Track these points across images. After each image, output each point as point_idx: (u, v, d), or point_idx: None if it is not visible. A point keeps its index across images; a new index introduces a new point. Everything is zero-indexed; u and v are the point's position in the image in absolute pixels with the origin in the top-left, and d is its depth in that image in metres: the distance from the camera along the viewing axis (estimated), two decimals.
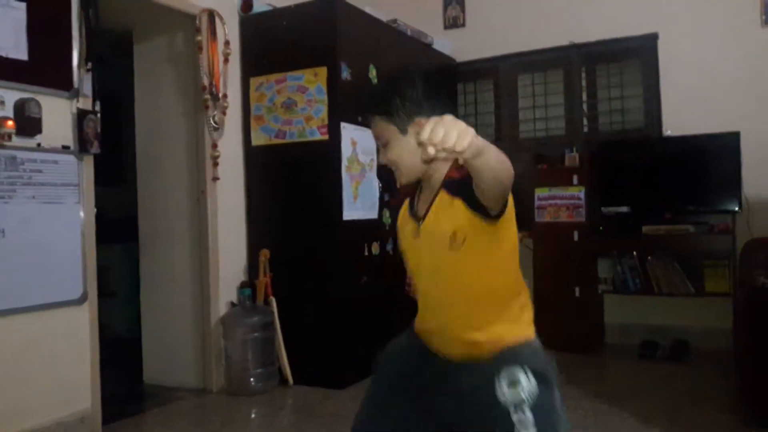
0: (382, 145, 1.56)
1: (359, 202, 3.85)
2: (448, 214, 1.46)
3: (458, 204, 1.43)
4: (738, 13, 4.32)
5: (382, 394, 1.69)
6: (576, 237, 4.27)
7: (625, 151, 4.58)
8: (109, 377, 3.24)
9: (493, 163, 1.24)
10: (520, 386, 1.35)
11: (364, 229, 3.90)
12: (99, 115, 3.08)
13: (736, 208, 4.11)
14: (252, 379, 3.62)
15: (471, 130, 1.13)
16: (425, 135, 1.09)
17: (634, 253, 4.39)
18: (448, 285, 1.52)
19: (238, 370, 3.64)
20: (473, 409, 1.44)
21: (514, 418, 1.34)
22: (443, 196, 1.49)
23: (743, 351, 3.11)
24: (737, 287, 3.68)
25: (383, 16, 4.30)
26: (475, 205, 1.38)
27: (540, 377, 1.38)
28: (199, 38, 3.65)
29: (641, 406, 3.19)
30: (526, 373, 1.36)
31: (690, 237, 4.23)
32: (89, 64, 3.01)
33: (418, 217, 1.57)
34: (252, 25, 3.95)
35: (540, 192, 4.42)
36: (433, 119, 1.11)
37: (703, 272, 4.24)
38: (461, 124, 1.11)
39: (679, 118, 4.45)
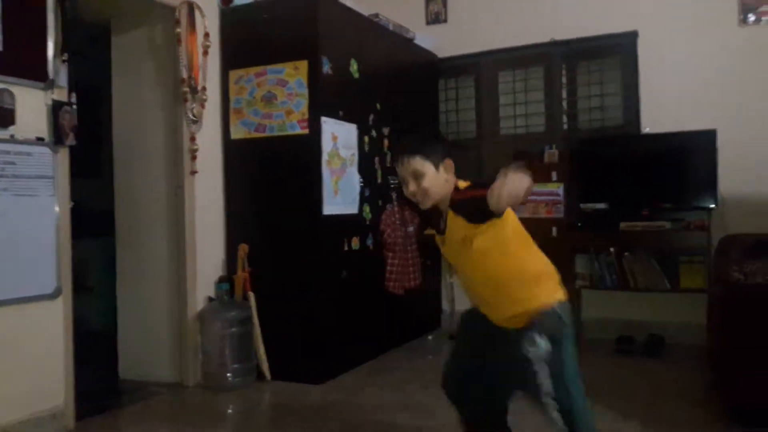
0: (415, 178, 2.03)
1: (340, 197, 3.83)
2: (458, 226, 1.98)
3: (461, 220, 1.95)
4: (716, 13, 4.37)
5: (461, 346, 2.31)
6: (554, 233, 4.31)
7: (604, 148, 4.62)
8: (84, 372, 3.20)
9: (525, 194, 1.69)
10: (538, 346, 1.87)
11: (345, 223, 3.89)
12: (75, 106, 3.03)
13: (712, 205, 4.16)
14: (229, 374, 3.60)
15: (529, 180, 1.68)
16: (505, 188, 1.64)
17: (612, 249, 4.43)
18: (475, 278, 2.06)
19: (215, 365, 3.62)
20: (511, 362, 1.97)
21: (535, 367, 1.87)
22: (452, 215, 2.00)
23: (717, 346, 3.15)
24: (712, 283, 3.73)
25: (365, 11, 4.29)
26: (472, 219, 1.91)
27: (552, 339, 1.88)
28: (178, 30, 3.61)
29: (617, 401, 3.22)
30: (541, 336, 1.87)
31: (666, 233, 4.28)
32: (65, 55, 2.97)
33: (441, 231, 2.09)
34: (232, 18, 3.92)
35: None
36: (511, 173, 1.66)
37: (678, 268, 4.29)
38: (526, 180, 1.67)
39: (658, 116, 4.50)
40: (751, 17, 4.31)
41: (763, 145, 4.20)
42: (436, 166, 2.02)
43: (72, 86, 3.03)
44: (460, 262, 2.09)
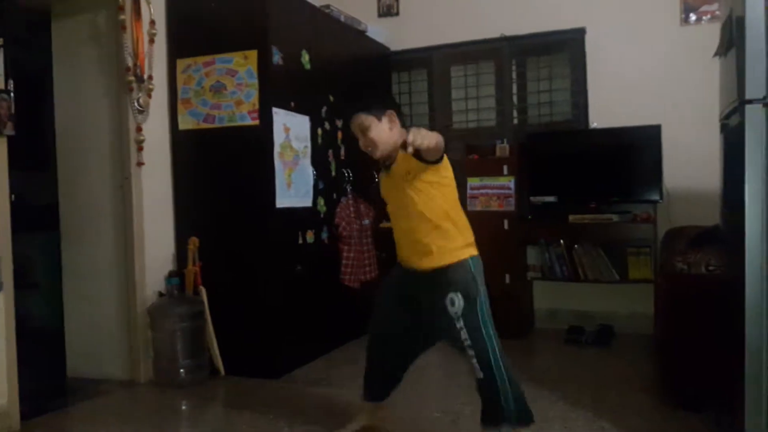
0: (362, 132, 2.35)
1: (293, 190, 3.79)
2: (405, 161, 2.27)
3: (410, 157, 2.19)
4: (660, 12, 4.49)
5: (385, 304, 2.56)
6: (506, 225, 4.36)
7: (553, 142, 4.70)
8: (30, 371, 3.08)
9: (435, 145, 2.07)
10: (457, 305, 2.22)
11: (298, 217, 3.84)
12: (12, 94, 2.90)
13: (658, 198, 4.28)
14: (181, 371, 3.52)
15: (432, 134, 2.04)
16: (410, 138, 1.98)
17: (561, 241, 4.52)
18: (407, 211, 2.32)
19: (166, 361, 3.54)
20: (433, 309, 2.29)
21: (455, 323, 2.23)
22: (401, 154, 2.28)
23: (662, 334, 3.24)
24: (658, 274, 3.84)
25: (316, 2, 4.25)
26: (419, 157, 2.19)
27: (466, 296, 2.23)
28: (122, 17, 3.50)
29: (569, 389, 3.28)
30: (457, 296, 2.22)
31: (614, 226, 4.38)
32: (0, 41, 2.84)
33: (388, 167, 2.40)
34: (179, 6, 3.82)
35: (472, 181, 4.49)
36: (414, 129, 2.00)
37: (626, 260, 4.40)
38: (426, 132, 2.02)
39: (605, 111, 4.61)
40: (693, 17, 4.44)
41: (706, 141, 4.28)
42: (379, 118, 2.34)
43: (8, 73, 2.90)
44: (394, 195, 2.39)
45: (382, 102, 2.43)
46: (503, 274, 4.32)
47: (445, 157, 2.27)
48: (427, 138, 2.00)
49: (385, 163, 2.44)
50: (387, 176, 2.42)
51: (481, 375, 2.23)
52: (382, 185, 2.48)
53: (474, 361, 2.23)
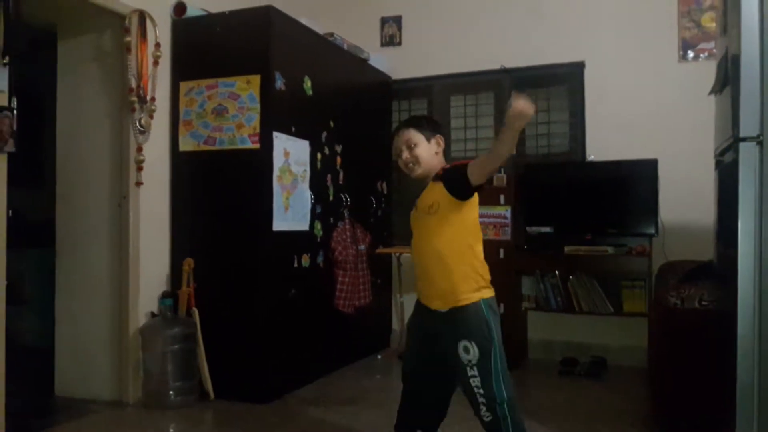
0: (409, 147, 2.33)
1: (290, 213, 3.80)
2: (433, 192, 2.26)
3: (439, 186, 2.22)
4: (658, 49, 4.56)
5: (413, 341, 2.47)
6: (501, 254, 4.37)
7: (550, 173, 4.73)
8: (17, 389, 3.05)
9: (510, 145, 2.03)
10: (469, 353, 2.17)
11: (295, 240, 3.85)
12: (15, 112, 2.93)
13: (653, 232, 4.30)
14: (171, 392, 3.50)
15: (502, 156, 2.07)
16: (521, 103, 1.91)
17: (557, 272, 4.52)
18: (426, 248, 2.28)
19: (156, 382, 3.51)
20: (446, 353, 2.24)
21: (468, 371, 2.18)
22: (431, 184, 2.29)
23: (656, 368, 3.23)
24: (652, 307, 3.83)
25: (320, 29, 4.31)
26: (450, 187, 2.19)
27: (481, 346, 2.17)
28: (128, 39, 3.54)
29: (561, 421, 3.26)
30: (472, 344, 2.17)
31: (609, 258, 4.39)
32: (6, 59, 2.87)
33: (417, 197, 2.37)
34: (184, 29, 3.87)
35: None
36: (518, 97, 1.91)
37: (621, 292, 4.39)
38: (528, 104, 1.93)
39: (602, 144, 4.64)
40: (690, 54, 4.51)
41: (701, 177, 4.33)
42: (428, 139, 2.35)
43: (12, 90, 2.92)
44: (417, 228, 2.35)
45: (436, 124, 2.44)
46: (497, 303, 4.30)
47: (476, 196, 2.24)
48: (529, 109, 1.92)
49: (422, 184, 2.40)
50: (414, 210, 2.38)
51: (488, 419, 2.20)
52: (411, 219, 2.42)
53: (483, 409, 2.19)
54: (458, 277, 2.22)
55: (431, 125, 2.40)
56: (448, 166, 2.30)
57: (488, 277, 2.30)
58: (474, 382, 2.17)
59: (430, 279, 2.29)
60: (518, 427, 2.21)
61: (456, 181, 2.18)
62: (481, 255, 2.30)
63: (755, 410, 2.12)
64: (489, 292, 2.27)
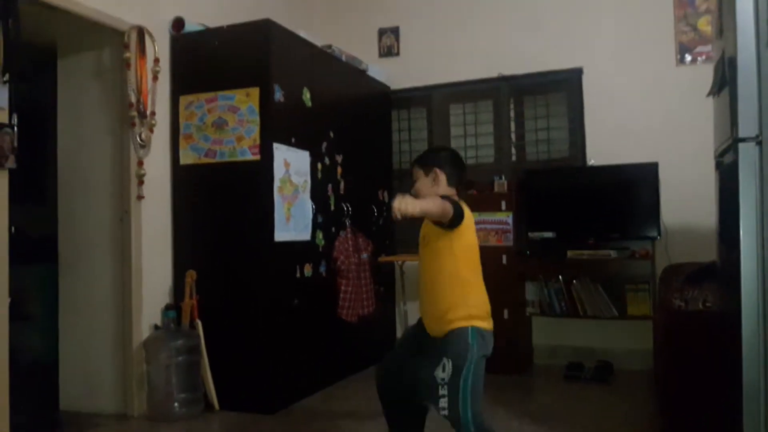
0: (414, 181, 2.50)
1: (292, 224, 3.81)
2: (426, 225, 2.41)
3: (430, 222, 2.34)
4: (656, 53, 4.57)
5: (402, 343, 2.69)
6: (504, 260, 4.37)
7: (551, 179, 4.74)
8: (22, 403, 3.05)
9: (434, 212, 2.17)
10: (445, 371, 2.21)
11: (297, 250, 3.85)
12: (16, 128, 2.95)
13: (656, 235, 4.29)
14: (176, 404, 3.49)
15: (418, 203, 2.07)
16: (394, 205, 2.01)
17: (560, 276, 4.51)
18: (424, 273, 2.41)
19: (161, 395, 3.50)
20: (426, 373, 2.28)
21: (439, 389, 2.22)
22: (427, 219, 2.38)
23: (661, 371, 3.22)
24: (656, 310, 3.83)
25: (318, 41, 4.33)
26: (435, 222, 2.30)
27: (455, 366, 2.21)
28: (127, 55, 3.57)
29: (567, 427, 3.25)
30: (448, 362, 2.22)
31: (612, 262, 4.39)
32: (6, 76, 2.89)
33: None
34: (183, 44, 3.90)
35: None
36: (398, 197, 2.04)
37: (625, 296, 4.39)
38: (411, 200, 2.05)
39: (602, 149, 4.65)
40: (688, 58, 4.53)
41: (702, 179, 4.33)
42: (426, 173, 2.47)
43: (13, 107, 2.94)
44: (420, 257, 2.47)
45: (438, 157, 2.53)
46: (501, 309, 4.30)
47: (464, 225, 2.29)
48: (411, 205, 2.02)
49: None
50: (420, 237, 2.50)
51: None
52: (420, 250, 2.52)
53: (449, 423, 2.25)
54: (447, 306, 2.31)
55: (432, 159, 2.51)
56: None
57: (485, 308, 2.36)
58: (441, 403, 2.21)
59: (425, 305, 2.43)
60: None
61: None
62: (475, 285, 2.37)
63: (762, 412, 2.11)
64: (481, 323, 2.31)
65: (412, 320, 5.03)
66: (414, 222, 2.34)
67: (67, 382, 3.75)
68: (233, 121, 3.71)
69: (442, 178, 2.44)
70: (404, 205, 2.01)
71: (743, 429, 2.13)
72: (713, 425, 2.63)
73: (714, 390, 2.59)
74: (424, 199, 2.20)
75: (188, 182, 3.86)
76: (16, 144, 2.94)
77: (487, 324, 2.33)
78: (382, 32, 5.41)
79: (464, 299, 2.31)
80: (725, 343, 2.37)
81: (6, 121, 2.91)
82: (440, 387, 2.22)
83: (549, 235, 4.51)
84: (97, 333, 3.68)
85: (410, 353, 2.52)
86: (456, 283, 2.33)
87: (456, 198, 2.40)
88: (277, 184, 3.68)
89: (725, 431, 2.41)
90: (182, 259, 3.85)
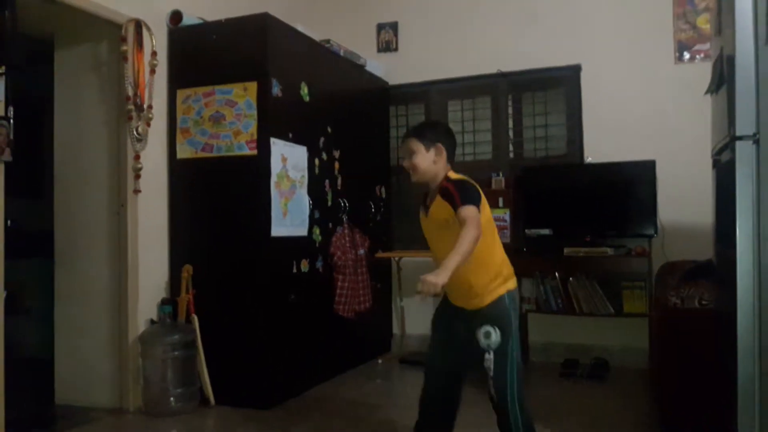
0: (409, 155, 2.42)
1: (288, 219, 3.80)
2: (442, 209, 2.30)
3: (447, 205, 2.27)
4: (654, 51, 4.57)
5: (435, 333, 2.58)
6: None
7: (548, 176, 4.73)
8: (17, 397, 3.04)
9: (469, 251, 2.12)
10: (491, 337, 2.25)
11: (294, 246, 3.85)
12: (12, 121, 2.93)
13: (652, 233, 4.30)
14: (171, 399, 3.49)
15: (450, 266, 2.05)
16: (420, 289, 2.02)
17: (556, 273, 4.51)
18: (448, 251, 2.18)
19: (156, 389, 3.50)
20: (468, 344, 2.35)
21: (486, 354, 2.27)
22: (439, 200, 2.33)
23: (657, 368, 3.22)
24: (653, 308, 3.83)
25: (316, 36, 4.32)
26: (456, 210, 2.23)
27: (502, 330, 2.27)
28: (124, 48, 3.55)
29: (563, 424, 3.25)
30: (494, 329, 2.26)
31: (609, 259, 4.39)
32: (2, 68, 2.87)
33: (427, 208, 2.44)
34: (181, 38, 3.88)
35: None
36: (422, 280, 2.02)
37: (621, 293, 4.39)
38: (434, 279, 2.02)
39: (600, 146, 4.65)
40: (686, 56, 4.53)
41: (699, 177, 4.34)
42: (427, 148, 2.40)
43: (9, 100, 2.93)
44: (436, 240, 2.43)
45: (438, 132, 2.46)
46: None
47: (481, 207, 2.28)
48: (442, 278, 2.02)
49: (425, 202, 2.48)
50: (426, 218, 2.45)
51: (496, 400, 2.32)
52: (422, 225, 2.50)
53: (492, 390, 2.31)
54: (481, 281, 2.32)
55: (433, 133, 2.43)
56: (452, 180, 2.35)
57: (509, 269, 2.42)
58: (487, 362, 2.27)
59: (455, 284, 2.30)
60: (525, 418, 2.32)
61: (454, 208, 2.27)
62: (499, 251, 2.40)
63: (756, 409, 2.11)
64: (512, 284, 2.39)
65: (409, 316, 5.05)
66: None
67: (63, 377, 3.75)
68: (230, 116, 3.70)
69: (444, 155, 2.40)
70: (432, 286, 2.00)
71: (738, 425, 2.14)
72: (709, 422, 2.64)
73: (709, 387, 2.60)
74: (453, 255, 2.08)
75: (185, 176, 3.85)
76: (12, 136, 2.93)
77: (514, 282, 2.41)
78: (380, 27, 5.40)
79: (495, 270, 2.35)
80: (721, 340, 2.38)
81: (2, 113, 2.90)
82: (486, 351, 2.27)
83: (546, 232, 4.51)
84: (93, 327, 3.68)
85: (446, 353, 2.49)
86: (487, 257, 2.32)
87: (463, 177, 2.37)
88: (274, 179, 3.67)
89: (720, 428, 2.42)
90: (178, 253, 3.84)
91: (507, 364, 2.28)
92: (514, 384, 2.29)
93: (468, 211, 2.18)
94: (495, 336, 2.25)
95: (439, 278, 2.01)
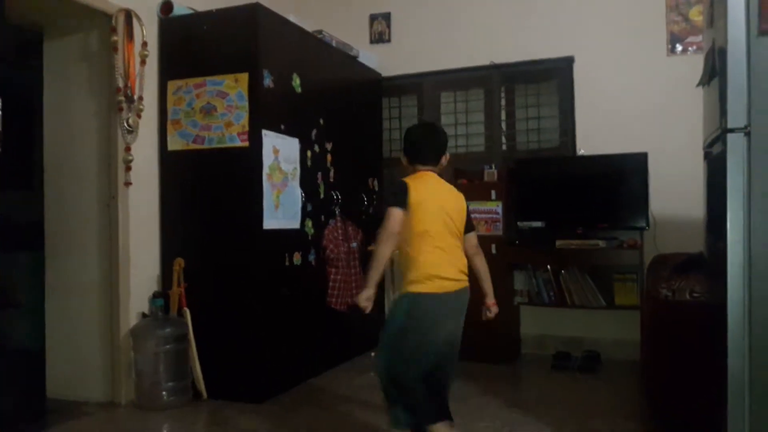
0: None
1: (280, 212, 3.79)
2: (458, 198, 2.77)
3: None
4: (647, 43, 4.57)
5: (440, 331, 2.73)
6: (494, 250, 4.37)
7: (541, 168, 4.73)
8: (9, 392, 3.03)
9: (381, 260, 2.66)
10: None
11: (286, 238, 3.84)
12: (0, 113, 2.90)
13: (644, 225, 4.31)
14: (163, 393, 3.48)
15: (370, 279, 2.64)
16: (363, 306, 2.62)
17: (548, 266, 4.52)
18: (459, 243, 2.72)
19: (148, 383, 3.49)
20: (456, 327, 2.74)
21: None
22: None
23: (648, 361, 3.24)
24: (644, 300, 3.84)
25: (308, 27, 4.29)
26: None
27: (388, 320, 2.79)
28: (114, 38, 3.52)
29: (555, 416, 3.27)
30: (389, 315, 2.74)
31: (601, 252, 4.40)
32: None
33: None
34: (171, 28, 3.85)
35: None
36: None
37: (613, 286, 4.41)
38: (363, 296, 2.64)
39: (592, 138, 4.65)
40: (679, 48, 4.52)
41: (691, 169, 4.36)
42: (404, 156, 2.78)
43: None
44: (449, 231, 2.70)
45: (404, 139, 2.81)
46: None
47: (413, 210, 2.61)
48: (368, 290, 2.61)
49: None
50: (445, 214, 2.70)
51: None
52: (436, 214, 2.71)
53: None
54: (404, 277, 2.72)
55: (404, 142, 2.79)
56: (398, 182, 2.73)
57: (429, 272, 2.65)
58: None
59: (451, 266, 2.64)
60: (392, 393, 2.76)
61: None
62: (428, 256, 2.66)
63: (746, 401, 2.13)
64: (422, 288, 2.66)
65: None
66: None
67: (54, 370, 3.73)
68: (222, 107, 3.67)
69: (406, 159, 2.75)
70: (365, 300, 2.61)
71: (728, 416, 2.15)
72: (699, 413, 2.65)
73: (700, 379, 2.61)
74: (372, 266, 2.61)
75: (176, 168, 3.82)
76: (0, 128, 2.90)
77: (425, 287, 2.65)
78: (373, 18, 5.37)
79: (408, 268, 2.70)
80: (711, 332, 2.38)
81: None
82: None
83: (538, 224, 4.51)
84: (84, 320, 3.66)
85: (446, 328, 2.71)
86: (404, 255, 2.71)
87: (407, 179, 2.67)
88: (266, 171, 3.65)
89: (711, 420, 2.43)
90: (170, 246, 3.82)
91: (382, 346, 2.75)
92: (381, 359, 2.78)
93: (386, 212, 2.59)
94: (388, 320, 2.70)
95: (364, 294, 2.57)
